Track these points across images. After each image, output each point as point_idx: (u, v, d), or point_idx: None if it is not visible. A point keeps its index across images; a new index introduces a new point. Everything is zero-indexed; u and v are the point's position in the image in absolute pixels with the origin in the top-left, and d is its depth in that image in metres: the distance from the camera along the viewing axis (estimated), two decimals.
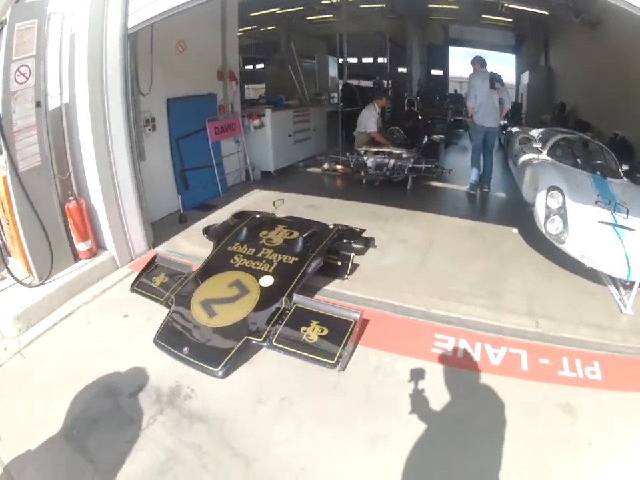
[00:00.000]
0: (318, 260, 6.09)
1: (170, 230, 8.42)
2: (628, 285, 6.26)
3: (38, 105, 6.17)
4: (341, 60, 20.68)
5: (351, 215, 8.71)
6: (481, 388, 4.48)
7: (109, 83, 6.79)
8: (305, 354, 4.82)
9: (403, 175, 10.92)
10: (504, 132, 15.84)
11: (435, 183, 11.69)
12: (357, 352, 4.99)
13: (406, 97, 22.26)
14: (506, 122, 18.72)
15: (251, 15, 18.69)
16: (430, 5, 22.95)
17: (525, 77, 26.98)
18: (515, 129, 14.36)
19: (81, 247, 7.01)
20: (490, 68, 10.86)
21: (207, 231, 7.86)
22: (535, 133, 12.32)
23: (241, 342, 4.94)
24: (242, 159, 11.55)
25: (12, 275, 6.32)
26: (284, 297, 5.44)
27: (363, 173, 11.04)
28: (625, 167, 8.98)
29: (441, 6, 22.63)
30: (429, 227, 8.53)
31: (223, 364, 4.73)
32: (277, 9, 20.73)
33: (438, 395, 4.39)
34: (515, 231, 8.38)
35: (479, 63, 10.68)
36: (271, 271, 5.97)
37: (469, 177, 11.26)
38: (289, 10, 21.65)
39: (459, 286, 6.35)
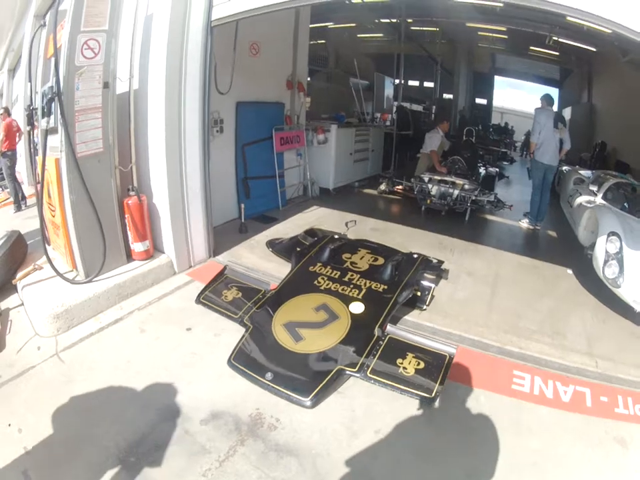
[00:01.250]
0: (408, 290, 6.10)
1: (230, 239, 8.40)
2: None
3: (106, 85, 5.96)
4: (396, 81, 20.05)
5: (418, 243, 8.85)
6: (556, 423, 4.55)
7: (188, 76, 6.69)
8: (402, 387, 4.63)
9: (465, 207, 10.93)
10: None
11: (489, 216, 11.77)
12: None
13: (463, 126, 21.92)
14: None
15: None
16: (480, 33, 22.96)
17: (567, 112, 26.30)
18: (566, 168, 14.38)
19: (137, 247, 6.88)
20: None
21: (272, 244, 7.94)
22: (586, 173, 12.47)
23: (334, 372, 4.74)
24: (302, 173, 11.61)
25: (53, 267, 6.06)
26: (377, 326, 5.30)
27: (429, 201, 10.95)
28: None
29: (490, 34, 22.64)
30: (492, 261, 8.59)
31: (313, 394, 4.49)
32: (331, 23, 20.98)
33: (520, 430, 4.42)
34: (570, 271, 8.35)
35: (546, 100, 10.70)
36: (360, 297, 5.84)
37: (524, 211, 11.46)
38: (342, 25, 21.90)
39: (527, 323, 6.37)
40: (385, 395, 4.65)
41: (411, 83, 30.84)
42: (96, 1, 5.50)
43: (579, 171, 12.87)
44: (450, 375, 4.88)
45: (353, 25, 21.99)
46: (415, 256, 7.13)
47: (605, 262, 6.87)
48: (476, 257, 8.67)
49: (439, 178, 11.14)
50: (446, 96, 30.29)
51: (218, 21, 6.63)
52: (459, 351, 5.20)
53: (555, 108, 31.02)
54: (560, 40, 18.92)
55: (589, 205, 9.05)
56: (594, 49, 19.00)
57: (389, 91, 20.20)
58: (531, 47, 23.25)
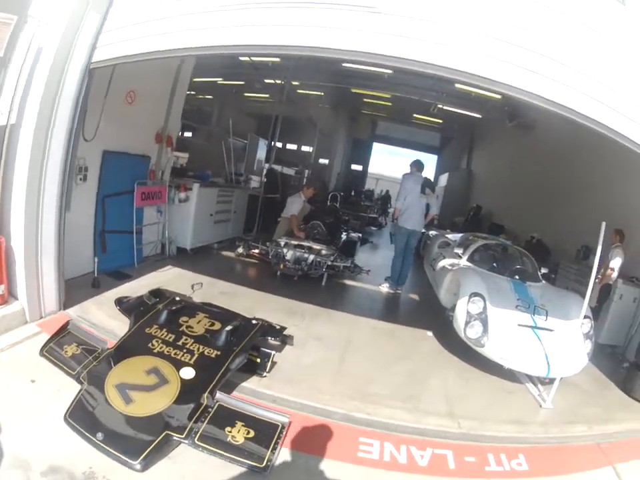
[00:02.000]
0: (242, 357, 5.65)
1: (81, 292, 7.61)
2: (547, 382, 6.72)
3: None
4: (273, 143, 19.36)
5: (267, 308, 8.15)
6: None
7: (58, 115, 6.17)
8: (231, 456, 4.32)
9: (321, 272, 10.45)
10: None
11: (348, 281, 11.39)
12: (282, 453, 4.52)
13: (328, 190, 21.92)
14: None
15: (194, 79, 18.00)
16: (365, 100, 23.40)
17: (444, 178, 27.48)
18: (433, 232, 14.63)
19: None
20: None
21: (120, 302, 7.35)
22: (453, 237, 12.51)
23: (161, 436, 4.40)
24: (160, 231, 10.69)
25: None
26: (206, 393, 4.93)
27: (282, 266, 10.26)
28: (543, 270, 9.17)
29: (375, 101, 22.92)
30: (345, 326, 8.18)
31: (142, 457, 4.15)
32: (220, 78, 20.76)
33: None
34: (430, 333, 8.34)
35: (415, 166, 10.75)
36: (192, 362, 5.46)
37: (385, 275, 11.30)
38: (231, 82, 21.77)
39: (378, 388, 6.09)
40: (217, 463, 4.29)
41: (289, 146, 30.78)
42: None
43: (447, 235, 13.17)
44: (291, 444, 4.65)
45: (242, 82, 21.91)
46: (255, 322, 6.50)
47: (467, 323, 6.86)
48: (328, 322, 8.22)
49: (295, 242, 10.75)
50: (322, 160, 30.08)
51: (97, 63, 6.24)
52: (300, 419, 5.05)
53: (432, 174, 32.22)
54: (445, 108, 19.41)
55: (451, 268, 9.08)
56: (479, 116, 19.82)
57: (262, 153, 19.51)
58: (415, 115, 23.97)
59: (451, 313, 7.69)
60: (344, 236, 12.68)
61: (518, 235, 15.87)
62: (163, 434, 4.42)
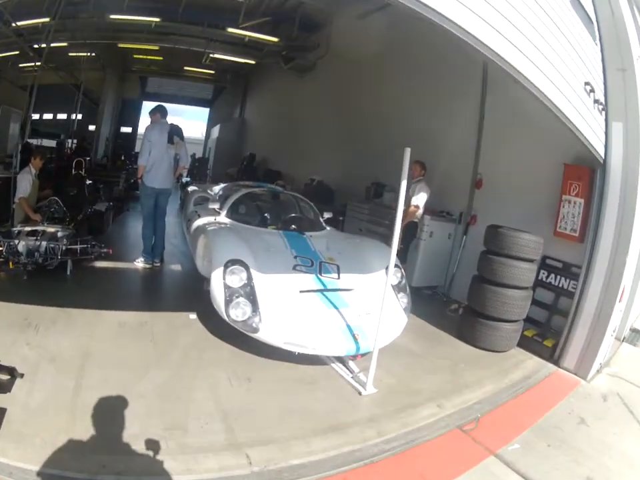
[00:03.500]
0: None
1: None
2: (360, 358, 5.55)
3: None
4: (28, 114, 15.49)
5: None
6: None
7: None
8: None
9: (58, 261, 7.97)
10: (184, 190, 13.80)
11: (101, 263, 8.79)
12: None
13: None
14: (188, 179, 17.78)
15: None
16: (135, 56, 21.97)
17: (216, 130, 26.34)
18: (191, 188, 12.40)
19: None
20: (180, 123, 9.41)
21: None
22: (217, 190, 10.84)
23: None
24: None
25: None
26: None
27: (11, 264, 7.75)
28: (326, 215, 8.21)
29: (146, 56, 21.72)
30: (86, 331, 6.03)
31: None
32: None
33: None
34: (193, 316, 6.64)
35: (159, 112, 8.96)
36: None
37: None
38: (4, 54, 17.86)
39: (128, 425, 4.15)
40: None
41: (60, 117, 26.85)
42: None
43: (208, 190, 11.25)
44: None
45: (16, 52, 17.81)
46: None
47: (228, 302, 5.38)
48: (67, 329, 6.04)
49: (29, 229, 8.35)
50: (92, 127, 26.40)
51: None
52: None
53: (204, 128, 31.24)
54: (218, 56, 18.70)
55: (207, 228, 7.34)
56: (253, 62, 19.09)
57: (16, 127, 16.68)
58: (186, 67, 23.20)
59: (207, 288, 5.93)
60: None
61: (296, 179, 15.25)
62: None
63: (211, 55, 18.92)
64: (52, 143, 22.12)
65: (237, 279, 5.47)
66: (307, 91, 16.84)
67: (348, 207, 11.35)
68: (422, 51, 10.25)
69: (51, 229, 8.34)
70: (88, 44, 18.43)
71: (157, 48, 19.01)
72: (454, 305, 8.18)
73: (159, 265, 9.23)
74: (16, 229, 8.28)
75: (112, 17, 14.82)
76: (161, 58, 21.67)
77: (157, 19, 15.09)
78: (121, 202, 14.56)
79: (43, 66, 18.00)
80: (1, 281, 7.66)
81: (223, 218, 7.86)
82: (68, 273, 8.15)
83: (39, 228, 8.29)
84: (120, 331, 6.19)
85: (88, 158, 19.01)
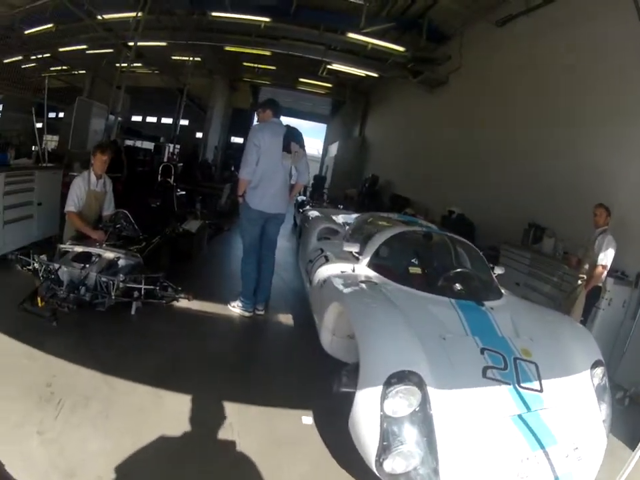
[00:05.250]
0: None
1: None
2: None
3: None
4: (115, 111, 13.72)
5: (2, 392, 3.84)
6: None
7: None
8: None
9: (111, 302, 5.19)
10: (300, 210, 11.28)
11: (185, 302, 5.85)
12: None
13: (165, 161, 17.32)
14: (304, 198, 15.24)
15: (60, 49, 15.35)
16: (245, 63, 21.06)
17: (334, 148, 24.58)
18: (312, 213, 9.21)
19: None
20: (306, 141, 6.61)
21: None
22: (344, 218, 8.24)
23: None
24: None
25: None
26: None
27: (40, 301, 4.92)
28: (498, 270, 5.32)
29: (256, 65, 20.71)
30: (132, 426, 3.65)
31: None
32: (84, 46, 16.66)
33: None
34: (309, 420, 4.10)
35: (271, 108, 6.29)
36: None
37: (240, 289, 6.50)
38: (97, 52, 17.92)
39: None
40: None
41: (150, 119, 27.95)
42: None
43: (333, 216, 8.51)
44: None
45: (110, 50, 17.55)
46: None
47: (386, 447, 2.92)
48: (103, 417, 3.67)
49: (80, 249, 5.74)
50: (199, 135, 26.15)
51: None
52: None
53: (321, 145, 29.33)
54: (335, 67, 16.87)
55: (341, 286, 4.53)
56: (376, 75, 16.73)
57: (99, 123, 14.48)
58: (301, 79, 21.64)
59: (346, 390, 3.42)
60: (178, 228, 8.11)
61: (429, 209, 12.56)
62: None
63: (328, 67, 17.20)
64: (151, 146, 21.62)
65: (403, 404, 3.01)
66: (439, 107, 14.59)
67: (502, 252, 8.64)
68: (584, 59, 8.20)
69: (109, 255, 5.67)
70: (190, 46, 16.89)
71: (268, 53, 17.08)
72: (620, 392, 5.78)
73: (262, 313, 6.48)
74: (63, 247, 5.77)
75: (213, 14, 13.65)
76: (273, 67, 20.55)
77: (267, 19, 13.34)
78: (222, 219, 11.99)
79: (138, 65, 18.75)
80: (27, 318, 4.85)
81: (364, 269, 5.04)
82: (132, 312, 5.59)
83: (94, 250, 5.69)
84: (187, 436, 3.70)
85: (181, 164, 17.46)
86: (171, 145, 20.96)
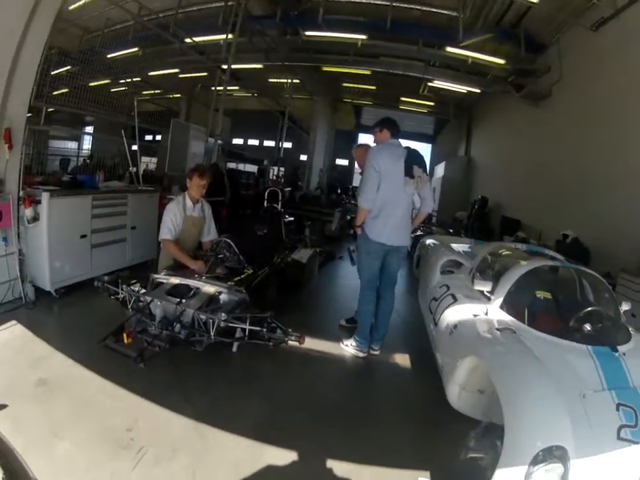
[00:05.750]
0: None
1: None
2: None
3: None
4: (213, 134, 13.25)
5: (85, 430, 3.55)
6: None
7: None
8: None
9: (209, 341, 4.48)
10: (412, 235, 9.64)
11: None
12: None
13: (268, 183, 17.25)
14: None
15: (150, 73, 15.40)
16: (345, 84, 20.70)
17: (440, 168, 23.40)
18: (430, 241, 8.40)
19: None
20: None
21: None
22: (462, 247, 7.44)
23: None
24: (12, 267, 6.16)
25: None
26: None
27: (127, 338, 4.21)
28: (625, 306, 4.39)
29: (356, 85, 20.27)
30: None
31: None
32: (176, 69, 17.14)
33: None
34: None
35: (388, 128, 5.52)
36: None
37: (355, 327, 5.85)
38: (191, 75, 18.78)
39: None
40: None
41: (251, 142, 28.67)
42: None
43: (453, 245, 7.51)
44: None
45: (204, 74, 18.49)
46: None
47: None
48: (191, 472, 3.22)
49: (177, 281, 5.15)
50: (303, 157, 25.90)
51: None
52: None
53: (428, 167, 28.66)
54: (437, 84, 16.13)
55: (475, 337, 3.88)
56: (478, 90, 15.92)
57: (198, 145, 13.92)
58: (403, 98, 21.13)
59: (474, 455, 3.09)
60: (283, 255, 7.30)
61: (543, 233, 11.45)
62: None
63: (429, 84, 16.55)
64: (252, 169, 21.94)
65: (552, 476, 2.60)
66: (545, 123, 13.35)
67: (618, 281, 7.29)
68: None
69: (209, 288, 5.00)
70: (286, 67, 16.76)
71: (367, 73, 16.86)
72: None
73: (377, 353, 5.72)
74: (157, 278, 5.19)
75: (307, 34, 13.24)
76: (373, 87, 19.95)
77: (363, 36, 12.84)
78: (331, 245, 11.27)
79: (234, 88, 19.20)
80: (110, 355, 4.20)
81: (497, 311, 4.29)
82: (234, 349, 4.91)
83: (192, 283, 5.08)
84: None
85: (288, 189, 17.03)
86: (275, 168, 20.81)
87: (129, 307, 4.64)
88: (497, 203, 16.19)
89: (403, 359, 5.68)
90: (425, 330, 5.74)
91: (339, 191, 21.37)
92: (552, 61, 11.89)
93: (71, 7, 12.53)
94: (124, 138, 8.77)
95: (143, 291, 4.87)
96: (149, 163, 17.31)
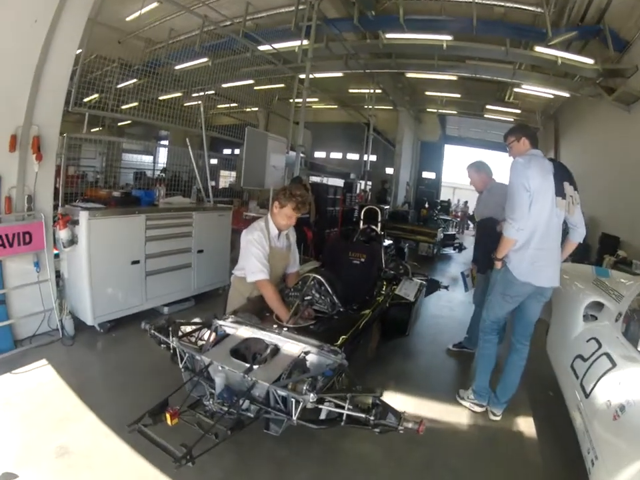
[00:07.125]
0: None
1: None
2: None
3: None
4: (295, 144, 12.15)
5: None
6: None
7: None
8: None
9: (291, 423, 3.01)
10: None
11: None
12: None
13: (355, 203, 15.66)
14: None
15: (223, 85, 14.72)
16: (427, 93, 19.69)
17: None
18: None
19: None
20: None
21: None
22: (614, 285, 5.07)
23: None
24: (48, 295, 5.36)
25: None
26: None
27: (171, 418, 2.87)
28: None
29: (440, 93, 19.42)
30: None
31: None
32: (251, 81, 16.22)
33: None
34: None
35: (527, 136, 4.41)
36: None
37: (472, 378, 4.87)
38: (267, 87, 18.06)
39: None
40: None
41: (333, 155, 27.46)
42: None
43: (595, 282, 5.11)
44: None
45: (282, 85, 18.01)
46: None
47: None
48: None
49: (245, 334, 3.81)
50: (389, 170, 24.92)
51: None
52: None
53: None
54: (522, 90, 15.23)
55: None
56: (567, 95, 14.58)
57: (278, 158, 12.76)
58: (488, 107, 19.95)
59: None
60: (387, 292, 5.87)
61: None
62: None
63: (515, 89, 15.59)
64: (338, 183, 19.72)
65: None
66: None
67: None
68: None
69: (292, 348, 3.63)
70: (368, 75, 16.04)
71: (454, 78, 15.54)
72: None
73: (498, 419, 4.48)
74: (221, 324, 3.99)
75: (388, 36, 12.20)
76: (458, 95, 18.77)
77: (449, 37, 11.77)
78: (426, 267, 9.98)
79: (314, 100, 19.46)
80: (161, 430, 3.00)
81: None
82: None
83: (268, 337, 3.76)
84: None
85: (387, 207, 17.08)
86: (362, 182, 19.75)
87: (181, 365, 3.56)
88: (592, 218, 14.44)
89: (527, 425, 4.39)
90: (556, 386, 4.38)
91: (426, 205, 19.99)
92: (638, 60, 10.57)
93: (129, 18, 12.26)
94: (189, 147, 7.73)
95: (201, 342, 3.75)
96: (228, 177, 17.00)
